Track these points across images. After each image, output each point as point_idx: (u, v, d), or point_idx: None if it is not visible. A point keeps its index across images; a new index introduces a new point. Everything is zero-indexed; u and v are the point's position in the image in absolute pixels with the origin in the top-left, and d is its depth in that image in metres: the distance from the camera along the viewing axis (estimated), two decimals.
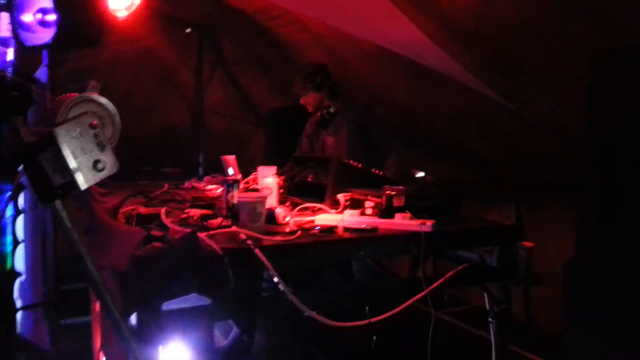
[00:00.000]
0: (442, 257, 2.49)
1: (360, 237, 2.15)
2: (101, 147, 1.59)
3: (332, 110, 3.51)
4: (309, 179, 2.97)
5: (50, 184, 1.53)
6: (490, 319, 2.37)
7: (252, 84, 5.27)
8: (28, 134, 1.58)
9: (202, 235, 1.98)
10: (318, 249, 2.09)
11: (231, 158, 3.61)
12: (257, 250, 1.96)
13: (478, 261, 2.37)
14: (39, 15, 3.53)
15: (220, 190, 3.37)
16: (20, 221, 3.96)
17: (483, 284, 2.37)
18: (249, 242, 1.98)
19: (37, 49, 3.64)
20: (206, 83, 5.11)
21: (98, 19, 4.05)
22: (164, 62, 5.18)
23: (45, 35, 3.70)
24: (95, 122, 1.60)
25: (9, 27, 3.54)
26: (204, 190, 3.52)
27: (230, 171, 3.63)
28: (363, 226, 2.22)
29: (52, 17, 3.60)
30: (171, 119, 5.36)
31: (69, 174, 1.53)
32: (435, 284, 2.13)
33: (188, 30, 4.87)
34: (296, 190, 2.95)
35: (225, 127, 5.41)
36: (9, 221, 3.99)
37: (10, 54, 3.86)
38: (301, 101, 3.56)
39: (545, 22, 2.82)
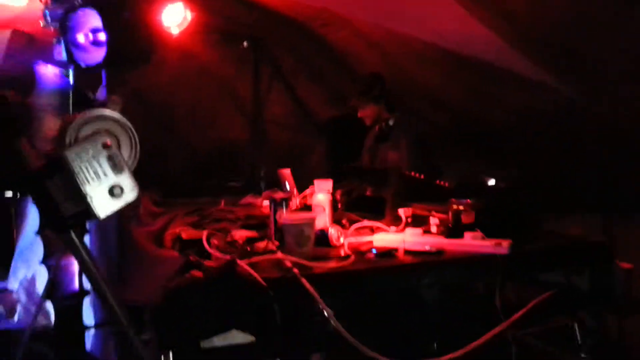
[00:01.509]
0: (521, 280, 2.09)
1: (424, 262, 1.80)
2: (118, 170, 1.35)
3: (390, 122, 3.19)
4: (368, 193, 2.65)
5: (61, 213, 1.30)
6: (582, 355, 1.95)
7: (309, 94, 5.01)
8: (34, 157, 1.36)
9: (242, 263, 1.70)
10: (374, 277, 1.76)
11: (287, 172, 3.35)
12: (303, 280, 1.66)
13: (564, 284, 1.96)
14: (91, 36, 3.42)
15: None
16: (86, 240, 3.86)
17: (573, 313, 1.95)
18: (295, 270, 1.69)
19: (92, 69, 3.53)
20: (264, 95, 4.89)
21: (148, 36, 3.90)
22: (223, 77, 5.01)
23: (98, 55, 3.58)
24: (109, 142, 1.35)
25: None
26: (261, 206, 3.28)
27: (287, 186, 3.37)
28: (427, 248, 1.88)
29: (103, 37, 3.48)
30: (232, 133, 5.17)
31: (81, 202, 1.29)
32: (516, 316, 1.75)
33: (244, 43, 4.68)
34: (354, 206, 2.64)
35: (285, 139, 5.16)
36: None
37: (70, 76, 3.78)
38: (359, 114, 3.27)
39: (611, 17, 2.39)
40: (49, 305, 2.59)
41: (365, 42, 3.73)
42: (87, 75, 4.09)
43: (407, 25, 3.17)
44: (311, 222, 1.85)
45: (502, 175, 4.18)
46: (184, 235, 2.07)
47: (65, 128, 1.44)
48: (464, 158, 4.05)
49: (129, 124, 1.46)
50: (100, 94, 4.31)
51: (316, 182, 3.11)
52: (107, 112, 1.44)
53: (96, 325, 4.07)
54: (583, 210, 3.32)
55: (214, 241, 2.06)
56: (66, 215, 1.30)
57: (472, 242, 1.88)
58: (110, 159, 1.35)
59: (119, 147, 1.40)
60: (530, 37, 2.70)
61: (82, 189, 1.28)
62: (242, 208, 3.22)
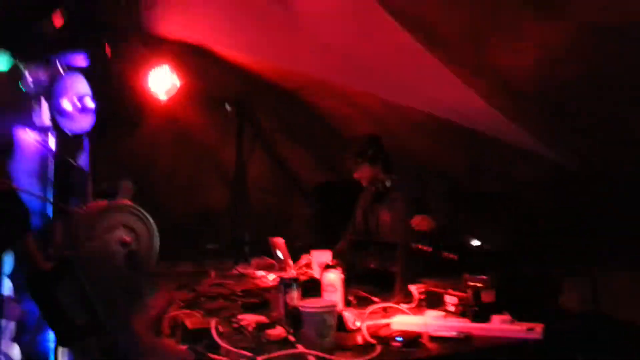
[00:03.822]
0: None
1: (456, 353, 1.63)
2: (137, 269, 1.15)
3: (387, 184, 3.05)
4: (372, 266, 2.48)
5: (70, 323, 1.08)
6: None
7: (295, 159, 4.87)
8: (40, 257, 1.15)
9: None
10: None
11: (280, 241, 3.16)
12: None
13: None
14: (78, 103, 3.21)
15: (272, 278, 2.91)
16: None
17: None
18: None
19: (79, 136, 3.32)
20: (247, 159, 4.72)
21: (138, 103, 3.72)
22: (204, 141, 4.85)
23: (85, 123, 3.36)
24: (128, 238, 1.16)
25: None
26: (254, 278, 3.06)
27: (279, 254, 3.18)
28: (453, 334, 1.71)
29: (90, 104, 3.28)
30: (212, 197, 4.97)
31: (94, 311, 1.08)
32: None
33: (228, 108, 4.54)
34: (357, 280, 2.45)
35: (267, 203, 4.98)
36: None
37: (51, 142, 3.55)
38: (355, 175, 3.12)
39: (610, 81, 2.35)
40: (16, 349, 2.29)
41: (359, 110, 3.64)
42: (68, 142, 3.84)
43: (401, 94, 3.09)
44: (333, 310, 1.66)
45: (487, 238, 4.10)
46: (188, 325, 1.84)
47: (78, 224, 1.25)
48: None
49: (148, 217, 1.28)
50: (82, 160, 4.06)
51: (313, 252, 2.93)
52: (127, 204, 1.26)
53: None
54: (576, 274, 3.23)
55: (221, 327, 1.85)
56: (77, 325, 1.09)
57: (502, 326, 1.71)
58: (129, 258, 1.15)
59: (137, 241, 1.22)
60: (527, 109, 2.64)
61: (96, 294, 1.08)
62: (234, 281, 3.01)
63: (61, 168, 3.17)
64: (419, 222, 2.69)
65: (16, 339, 2.13)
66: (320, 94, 3.74)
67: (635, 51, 2.10)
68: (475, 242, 4.14)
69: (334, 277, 2.04)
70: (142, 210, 1.26)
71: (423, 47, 2.50)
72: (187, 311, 2.11)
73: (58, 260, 1.11)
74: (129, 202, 1.28)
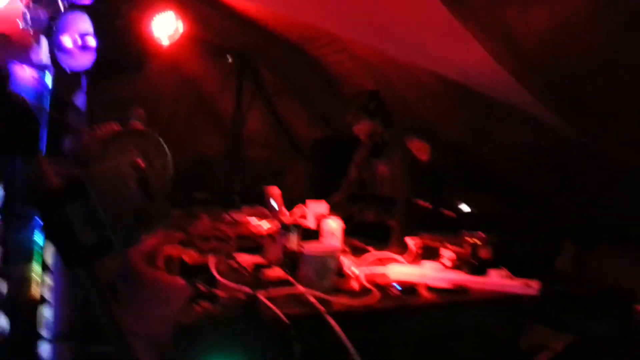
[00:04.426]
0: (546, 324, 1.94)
1: (452, 302, 1.63)
2: (149, 195, 1.12)
3: (385, 138, 3.03)
4: (370, 219, 2.47)
5: (79, 244, 1.06)
6: None
7: (292, 114, 4.81)
8: (51, 175, 1.12)
9: (263, 298, 1.49)
10: (402, 317, 1.58)
11: (275, 190, 3.14)
12: (329, 319, 1.47)
13: (582, 327, 1.83)
14: (79, 40, 3.11)
15: (267, 226, 2.90)
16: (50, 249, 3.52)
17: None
18: (320, 307, 1.49)
19: (77, 74, 3.23)
20: (245, 111, 4.66)
21: (140, 46, 3.62)
22: (204, 90, 4.77)
23: (85, 61, 3.26)
24: (140, 160, 1.13)
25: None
26: (247, 224, 3.05)
27: (273, 204, 3.16)
28: (450, 286, 1.71)
29: (92, 42, 3.18)
30: (209, 146, 4.92)
31: (104, 231, 1.06)
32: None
33: (229, 59, 4.45)
34: (353, 231, 2.45)
35: (263, 156, 4.94)
36: (37, 248, 3.56)
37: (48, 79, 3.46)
38: (354, 129, 3.09)
39: (624, 53, 2.31)
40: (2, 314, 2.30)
41: (363, 66, 3.57)
42: (66, 80, 3.74)
43: (409, 51, 3.02)
44: (335, 254, 1.66)
45: (477, 203, 4.11)
46: (187, 260, 1.82)
47: (90, 145, 1.21)
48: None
49: (163, 143, 1.24)
50: (79, 99, 3.97)
51: (309, 203, 2.91)
52: (139, 128, 1.21)
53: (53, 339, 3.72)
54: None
55: (218, 265, 1.84)
56: (85, 246, 1.07)
57: (499, 281, 1.72)
58: (141, 183, 1.12)
59: (150, 165, 1.18)
60: (538, 75, 2.60)
61: (106, 216, 1.05)
62: (228, 226, 2.99)
63: (56, 106, 3.10)
64: (421, 147, 2.67)
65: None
66: (325, 47, 3.66)
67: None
68: (464, 207, 4.16)
69: (334, 225, 2.03)
70: (157, 136, 1.22)
71: (441, 2, 2.43)
72: (182, 248, 2.10)
73: (69, 179, 1.07)
74: (142, 127, 1.24)
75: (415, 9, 2.65)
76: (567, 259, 2.92)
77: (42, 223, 1.06)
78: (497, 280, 1.72)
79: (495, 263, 1.83)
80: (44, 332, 3.56)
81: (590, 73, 2.39)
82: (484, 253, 1.88)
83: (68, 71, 3.19)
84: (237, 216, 3.31)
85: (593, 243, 2.93)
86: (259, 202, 3.45)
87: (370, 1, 2.82)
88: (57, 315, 3.62)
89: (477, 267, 1.80)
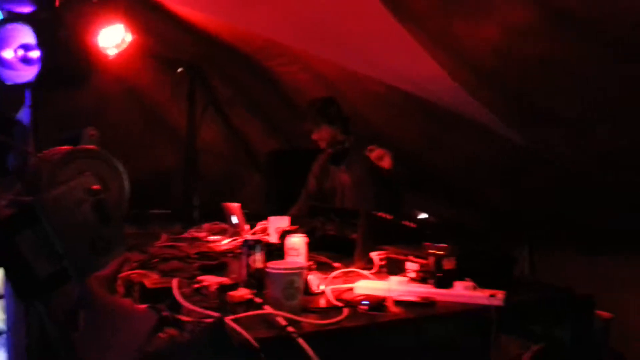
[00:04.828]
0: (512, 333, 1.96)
1: (421, 316, 1.62)
2: (105, 220, 1.04)
3: (346, 145, 3.01)
4: (332, 233, 2.44)
5: (34, 275, 0.97)
6: None
7: (246, 125, 4.74)
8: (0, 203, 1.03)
9: (231, 322, 1.43)
10: (371, 334, 1.55)
11: (235, 206, 3.06)
12: (300, 340, 1.42)
13: (547, 335, 1.85)
14: (21, 52, 2.95)
15: (225, 242, 2.82)
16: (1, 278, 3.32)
17: None
18: (290, 329, 1.44)
19: (19, 88, 3.07)
20: (198, 124, 4.55)
21: (85, 57, 3.46)
22: (154, 103, 4.63)
23: (28, 73, 3.10)
24: (96, 186, 1.05)
25: None
26: (208, 242, 2.96)
27: (234, 219, 3.08)
28: (417, 299, 1.70)
29: (35, 54, 3.02)
30: (162, 161, 4.78)
31: (59, 260, 0.98)
32: None
33: (179, 70, 4.34)
34: (315, 246, 2.41)
35: (218, 169, 4.84)
36: None
37: None
38: (313, 136, 3.06)
39: (573, 64, 2.39)
40: None
41: (315, 77, 3.55)
42: (8, 94, 3.55)
43: (362, 63, 3.03)
44: (301, 272, 1.61)
45: (434, 212, 4.15)
46: (147, 284, 1.74)
47: (41, 168, 1.12)
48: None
49: (118, 164, 1.17)
50: (23, 114, 3.77)
51: (271, 219, 2.86)
52: (94, 150, 1.13)
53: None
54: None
55: (183, 290, 1.76)
56: (40, 277, 0.98)
57: (464, 292, 1.72)
58: (97, 207, 1.04)
59: (106, 190, 1.11)
60: (490, 87, 2.65)
61: (60, 244, 0.97)
62: (187, 244, 2.89)
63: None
64: (382, 154, 2.66)
65: None
66: (278, 59, 3.63)
67: (588, 43, 2.12)
68: (422, 215, 4.20)
69: (298, 241, 1.99)
70: (111, 157, 1.15)
71: (392, 15, 2.45)
72: (142, 271, 2.01)
73: (19, 206, 0.99)
74: (95, 148, 1.16)
75: (367, 22, 2.66)
76: (524, 266, 3.00)
77: None
78: (463, 292, 1.72)
79: (459, 274, 1.82)
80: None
81: (541, 83, 2.46)
82: (448, 264, 1.87)
83: (7, 84, 3.03)
84: (198, 233, 3.22)
85: (548, 248, 3.00)
86: (218, 218, 3.37)
87: (322, 13, 2.81)
88: (10, 345, 3.42)
89: (443, 279, 1.79)
